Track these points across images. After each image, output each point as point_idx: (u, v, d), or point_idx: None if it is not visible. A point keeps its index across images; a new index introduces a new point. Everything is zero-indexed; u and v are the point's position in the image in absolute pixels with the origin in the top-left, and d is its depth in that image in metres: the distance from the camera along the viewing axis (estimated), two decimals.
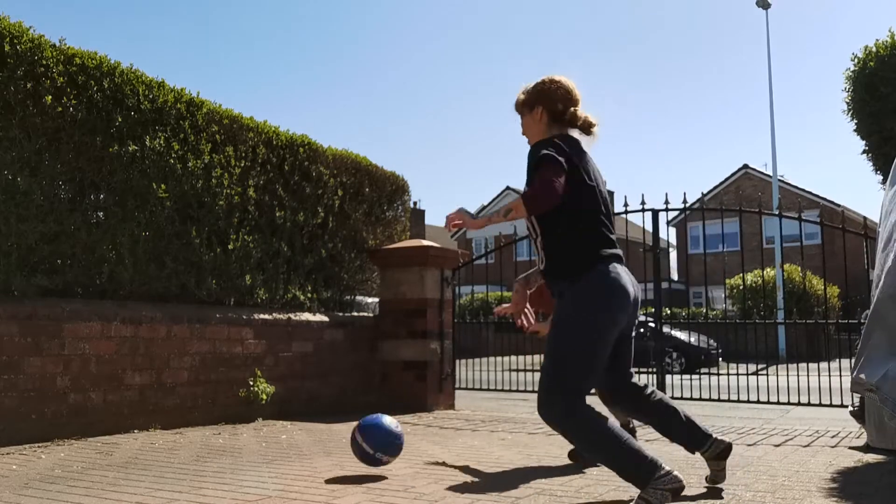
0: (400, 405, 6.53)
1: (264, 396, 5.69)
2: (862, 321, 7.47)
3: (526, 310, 3.72)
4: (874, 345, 3.07)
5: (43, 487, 3.19)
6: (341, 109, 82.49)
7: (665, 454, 4.24)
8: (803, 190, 32.86)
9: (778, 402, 7.18)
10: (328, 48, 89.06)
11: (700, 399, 7.28)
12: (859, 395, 4.28)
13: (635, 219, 40.12)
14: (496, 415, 6.54)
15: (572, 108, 3.06)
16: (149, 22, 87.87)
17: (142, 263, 5.14)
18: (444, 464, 3.86)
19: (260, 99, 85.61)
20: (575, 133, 3.08)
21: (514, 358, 8.89)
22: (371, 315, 7.24)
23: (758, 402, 7.12)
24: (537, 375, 9.22)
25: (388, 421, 3.65)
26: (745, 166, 35.49)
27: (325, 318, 6.56)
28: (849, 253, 7.41)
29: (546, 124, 3.08)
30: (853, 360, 4.23)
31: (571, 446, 4.15)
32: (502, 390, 8.06)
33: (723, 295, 21.52)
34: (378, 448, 3.54)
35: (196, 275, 5.51)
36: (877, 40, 13.55)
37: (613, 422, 2.76)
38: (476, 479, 3.42)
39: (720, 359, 15.80)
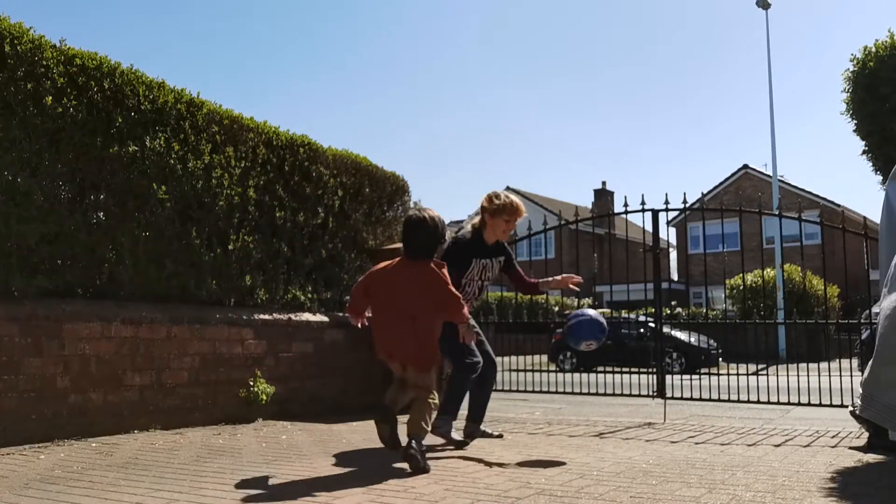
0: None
1: (264, 397, 5.69)
2: (862, 321, 7.49)
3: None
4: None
5: (43, 488, 3.19)
6: (341, 109, 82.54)
7: (666, 454, 4.24)
8: (803, 190, 32.88)
9: (778, 403, 7.18)
10: (328, 48, 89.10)
11: (700, 399, 7.28)
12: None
13: (635, 219, 40.10)
14: (496, 415, 6.53)
15: None
16: (149, 22, 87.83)
17: (142, 264, 5.14)
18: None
19: (260, 99, 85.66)
20: None
21: (514, 358, 8.88)
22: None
23: (758, 402, 7.12)
24: (538, 376, 9.15)
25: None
26: (745, 166, 35.50)
27: (326, 319, 6.56)
28: (849, 253, 7.41)
29: None
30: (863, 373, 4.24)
31: (569, 447, 4.14)
32: (502, 390, 8.04)
33: (723, 295, 21.52)
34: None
35: (196, 275, 5.51)
36: (876, 41, 13.52)
37: None
38: (476, 480, 3.42)
39: (720, 359, 15.80)
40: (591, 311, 4.65)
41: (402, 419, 3.79)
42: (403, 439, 3.70)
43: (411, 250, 3.93)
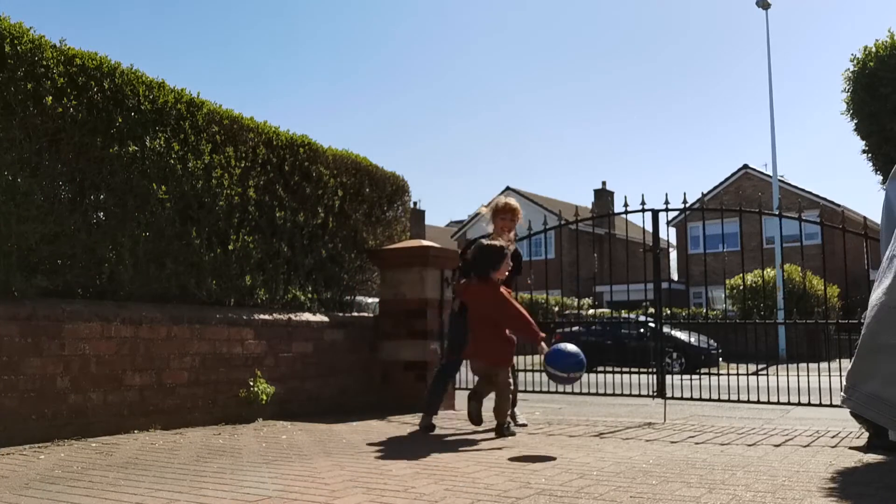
0: (400, 406, 6.52)
1: (264, 397, 5.69)
2: (862, 321, 7.49)
3: None
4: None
5: (43, 488, 3.19)
6: (341, 109, 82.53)
7: (666, 454, 4.24)
8: (803, 190, 32.89)
9: (778, 403, 7.17)
10: (328, 48, 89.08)
11: (700, 399, 7.27)
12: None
13: (635, 219, 40.09)
14: None
15: None
16: (149, 22, 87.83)
17: (142, 264, 5.14)
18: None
19: (261, 101, 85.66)
20: None
21: (513, 358, 8.88)
22: (371, 315, 7.24)
23: (758, 402, 7.11)
24: (537, 376, 9.21)
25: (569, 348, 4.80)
26: (745, 166, 35.50)
27: (326, 319, 6.56)
28: (849, 253, 7.41)
29: None
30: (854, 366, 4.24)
31: (569, 447, 4.13)
32: None
33: (723, 295, 21.51)
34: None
35: (196, 275, 5.51)
36: (876, 41, 13.52)
37: None
38: (476, 480, 3.42)
39: (720, 359, 15.79)
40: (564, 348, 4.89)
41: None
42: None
43: (473, 270, 5.14)
